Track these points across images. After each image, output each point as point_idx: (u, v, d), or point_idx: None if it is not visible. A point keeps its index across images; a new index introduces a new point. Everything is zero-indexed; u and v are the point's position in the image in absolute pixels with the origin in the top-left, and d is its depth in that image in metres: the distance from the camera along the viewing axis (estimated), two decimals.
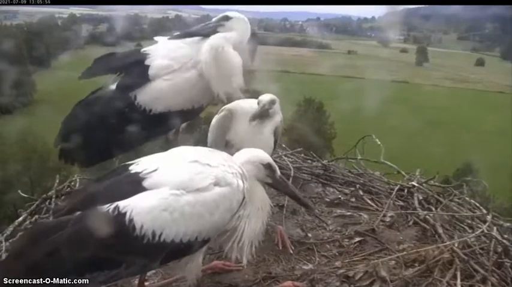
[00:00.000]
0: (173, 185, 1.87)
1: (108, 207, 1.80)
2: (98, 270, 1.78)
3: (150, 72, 2.71)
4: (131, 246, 1.80)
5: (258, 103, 2.67)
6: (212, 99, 2.89)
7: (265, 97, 2.68)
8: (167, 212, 1.82)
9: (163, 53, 2.78)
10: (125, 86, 2.72)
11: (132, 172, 1.95)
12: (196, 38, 2.83)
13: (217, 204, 1.92)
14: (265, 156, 2.20)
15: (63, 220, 1.85)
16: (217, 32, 2.82)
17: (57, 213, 1.98)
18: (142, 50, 2.82)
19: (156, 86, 2.69)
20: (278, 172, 2.22)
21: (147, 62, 2.73)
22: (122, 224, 1.78)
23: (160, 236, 1.81)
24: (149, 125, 2.72)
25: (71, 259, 1.75)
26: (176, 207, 1.83)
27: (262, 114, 2.64)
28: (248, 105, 2.73)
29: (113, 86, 2.79)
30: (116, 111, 2.68)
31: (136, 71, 2.74)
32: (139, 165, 1.97)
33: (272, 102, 2.67)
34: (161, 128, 2.81)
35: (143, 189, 1.86)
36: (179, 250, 1.89)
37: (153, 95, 2.68)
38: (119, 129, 2.65)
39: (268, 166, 2.17)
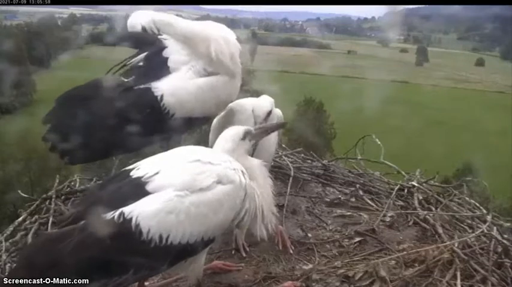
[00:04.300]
0: (177, 187, 1.86)
1: (113, 214, 1.79)
2: (107, 277, 1.77)
3: (170, 65, 2.61)
4: (139, 251, 1.80)
5: (254, 115, 2.59)
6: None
7: (260, 110, 2.59)
8: (173, 215, 1.82)
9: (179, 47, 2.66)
10: (145, 80, 2.56)
11: (133, 177, 1.93)
12: None
13: (221, 203, 1.92)
14: (237, 129, 2.24)
15: (68, 229, 1.84)
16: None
17: (61, 223, 1.96)
18: (161, 37, 2.69)
19: (184, 90, 2.57)
20: (252, 129, 2.28)
21: (165, 54, 2.64)
22: (128, 230, 1.77)
23: (167, 239, 1.81)
24: (165, 127, 2.60)
25: (78, 268, 1.74)
26: (181, 209, 1.83)
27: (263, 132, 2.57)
28: (249, 104, 2.74)
29: (125, 79, 2.64)
30: (135, 108, 2.50)
31: (156, 63, 2.63)
32: (140, 169, 1.96)
33: (268, 113, 2.60)
34: (172, 133, 2.68)
35: (147, 193, 1.85)
36: (185, 251, 1.90)
37: (179, 99, 2.56)
38: (131, 128, 2.47)
39: (245, 134, 2.22)
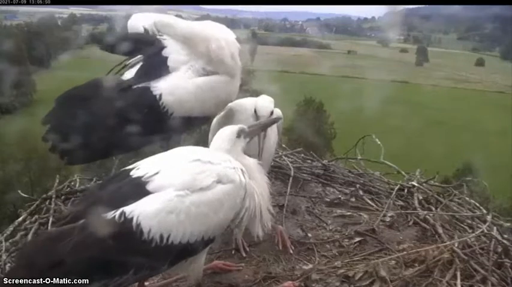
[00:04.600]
0: (177, 186, 1.86)
1: (114, 213, 1.79)
2: (107, 277, 1.77)
3: (169, 64, 2.59)
4: (140, 251, 1.80)
5: (257, 116, 2.59)
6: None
7: (265, 110, 2.58)
8: (173, 214, 1.82)
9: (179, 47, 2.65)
10: (145, 81, 2.54)
11: (134, 176, 1.93)
12: None
13: (221, 202, 1.93)
14: (232, 128, 2.24)
15: (68, 228, 1.83)
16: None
17: (60, 221, 1.95)
18: (160, 37, 2.67)
19: (183, 89, 2.56)
20: (246, 127, 2.28)
21: (164, 53, 2.62)
22: (129, 229, 1.77)
23: (168, 238, 1.81)
24: (165, 126, 2.58)
25: (79, 267, 1.74)
26: (182, 208, 1.84)
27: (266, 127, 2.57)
28: (249, 104, 2.74)
29: (126, 77, 2.62)
30: (134, 108, 2.48)
31: (155, 62, 2.61)
32: (140, 169, 1.96)
33: (271, 113, 2.59)
34: (172, 132, 2.66)
35: (147, 193, 1.85)
36: (186, 251, 1.90)
37: (178, 98, 2.54)
38: (131, 127, 2.45)
39: (240, 133, 2.22)
